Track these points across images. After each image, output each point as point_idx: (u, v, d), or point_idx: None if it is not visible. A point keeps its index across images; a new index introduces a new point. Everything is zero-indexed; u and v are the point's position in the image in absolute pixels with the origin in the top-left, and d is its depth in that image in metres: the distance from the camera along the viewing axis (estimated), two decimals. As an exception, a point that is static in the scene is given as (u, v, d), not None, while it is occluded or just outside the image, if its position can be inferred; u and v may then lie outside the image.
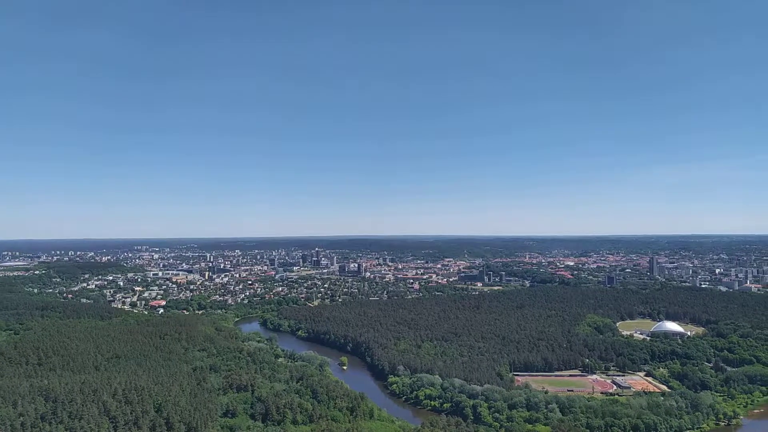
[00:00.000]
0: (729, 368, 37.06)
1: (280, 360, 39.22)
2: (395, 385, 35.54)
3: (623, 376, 37.84)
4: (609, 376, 38.22)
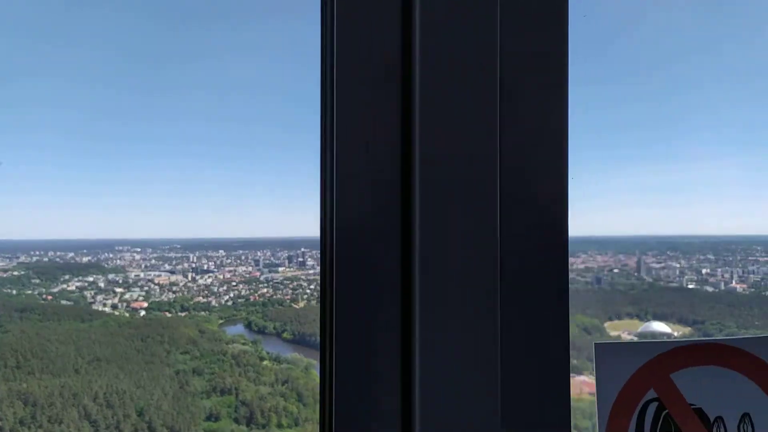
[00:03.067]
0: None
1: (265, 363, 38.92)
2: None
3: (609, 376, 38.25)
4: (595, 376, 38.60)
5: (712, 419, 0.23)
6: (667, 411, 0.23)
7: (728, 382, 0.24)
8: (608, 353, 0.24)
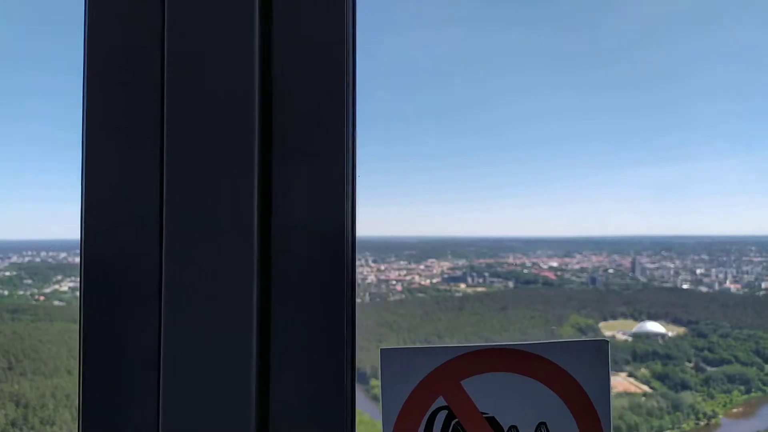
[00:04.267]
0: (709, 368, 37.55)
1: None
2: (377, 388, 35.58)
3: (604, 376, 38.29)
4: (590, 376, 38.63)
5: (505, 428, 0.23)
6: (457, 420, 0.22)
7: (524, 390, 0.23)
8: (394, 359, 0.23)
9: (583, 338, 0.25)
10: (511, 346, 0.24)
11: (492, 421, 0.22)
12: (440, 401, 0.22)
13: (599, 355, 0.23)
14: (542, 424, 0.23)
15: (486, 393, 0.22)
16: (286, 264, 0.21)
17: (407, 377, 0.23)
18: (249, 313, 0.20)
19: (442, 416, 0.22)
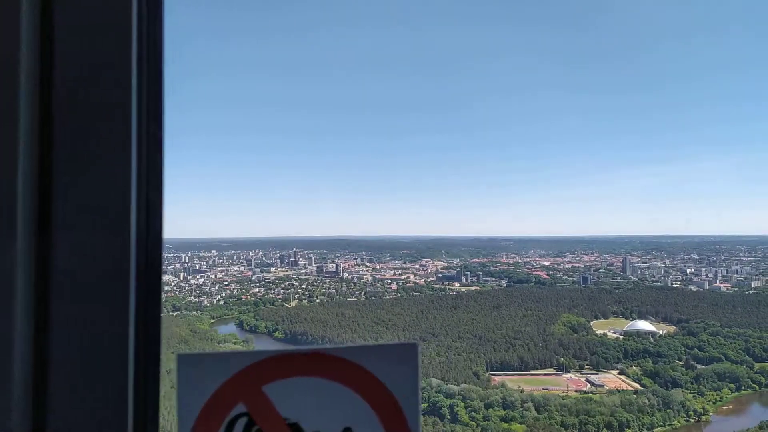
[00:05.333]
0: (699, 366, 37.51)
1: (256, 361, 38.50)
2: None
3: (597, 374, 37.70)
4: (583, 374, 37.91)
5: None
6: (258, 427, 0.22)
7: (329, 394, 0.22)
8: (191, 364, 0.22)
9: (395, 341, 0.25)
10: (317, 351, 0.24)
11: (295, 427, 0.22)
12: (240, 407, 0.21)
13: (408, 357, 0.23)
14: (347, 429, 0.22)
15: (289, 398, 0.22)
16: (68, 265, 0.20)
17: (204, 383, 0.22)
18: (12, 312, 0.19)
19: (242, 423, 0.22)
